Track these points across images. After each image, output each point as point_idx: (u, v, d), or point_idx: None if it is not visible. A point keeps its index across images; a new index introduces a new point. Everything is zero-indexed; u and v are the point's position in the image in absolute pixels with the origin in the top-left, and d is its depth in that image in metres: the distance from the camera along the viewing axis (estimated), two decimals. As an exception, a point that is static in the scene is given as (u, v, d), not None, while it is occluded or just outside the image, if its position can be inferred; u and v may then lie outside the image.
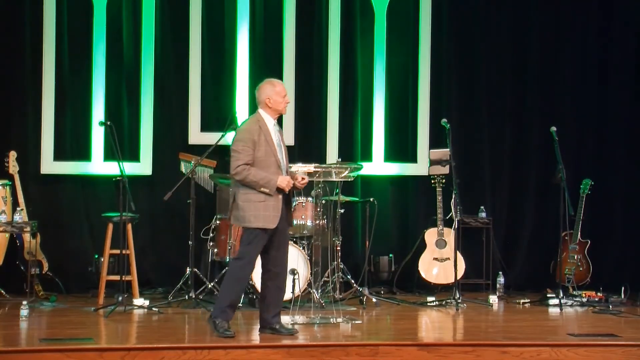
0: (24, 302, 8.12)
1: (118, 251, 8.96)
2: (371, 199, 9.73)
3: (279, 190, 7.31)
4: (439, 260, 10.06)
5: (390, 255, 10.33)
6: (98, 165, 9.96)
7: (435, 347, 7.14)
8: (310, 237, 9.13)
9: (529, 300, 9.56)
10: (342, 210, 9.32)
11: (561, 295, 9.42)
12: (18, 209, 9.05)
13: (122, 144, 9.43)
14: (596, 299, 9.54)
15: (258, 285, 8.77)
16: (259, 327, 7.52)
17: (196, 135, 10.13)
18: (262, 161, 7.34)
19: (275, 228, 7.32)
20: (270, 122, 7.45)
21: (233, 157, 7.36)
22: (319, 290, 8.69)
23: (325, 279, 9.11)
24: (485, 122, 10.76)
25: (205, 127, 10.14)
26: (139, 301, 8.81)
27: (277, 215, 7.32)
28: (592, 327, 8.21)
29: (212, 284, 9.23)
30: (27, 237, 9.24)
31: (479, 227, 10.34)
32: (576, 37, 10.83)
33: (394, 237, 10.59)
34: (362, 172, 9.20)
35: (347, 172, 8.21)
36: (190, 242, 9.05)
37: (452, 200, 9.55)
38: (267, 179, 7.30)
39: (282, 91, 7.50)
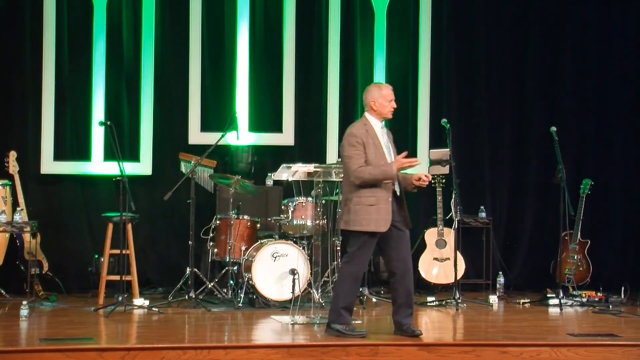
0: (24, 302, 8.11)
1: (118, 251, 8.95)
2: (371, 199, 9.72)
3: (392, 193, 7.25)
4: (439, 260, 10.06)
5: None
6: (98, 165, 9.97)
7: (435, 347, 7.13)
8: (310, 237, 9.13)
9: (529, 300, 9.56)
10: (342, 210, 9.32)
11: (561, 295, 9.42)
12: (18, 209, 9.05)
13: (122, 144, 9.44)
14: (596, 299, 9.53)
15: (259, 286, 8.79)
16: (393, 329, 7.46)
17: (196, 135, 10.14)
18: (371, 164, 7.26)
19: (390, 230, 7.24)
20: (377, 125, 7.38)
21: (346, 164, 7.27)
22: (319, 290, 8.69)
23: (325, 279, 9.12)
24: (485, 122, 10.77)
25: (205, 127, 10.15)
26: (139, 301, 8.81)
27: (389, 219, 7.23)
28: (592, 327, 8.21)
29: (212, 284, 9.23)
30: (27, 237, 9.24)
31: (479, 227, 10.34)
32: (576, 36, 10.84)
33: (394, 237, 10.58)
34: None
35: (347, 172, 8.19)
36: (190, 242, 9.05)
37: (452, 200, 9.56)
38: (384, 171, 7.20)
39: (388, 95, 7.39)
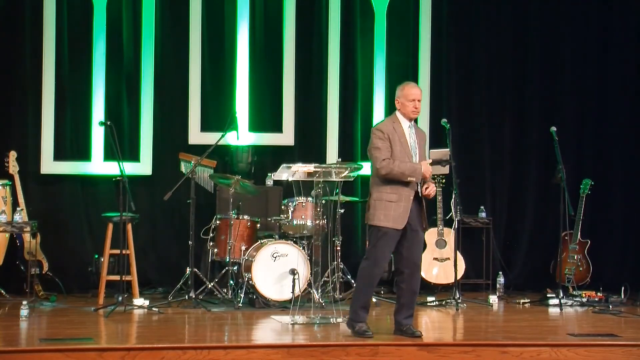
0: (24, 302, 8.11)
1: (118, 251, 8.95)
2: (371, 199, 9.72)
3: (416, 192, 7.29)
4: (439, 260, 10.06)
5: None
6: (98, 165, 9.97)
7: (435, 347, 7.13)
8: (310, 237, 9.13)
9: (529, 300, 9.56)
10: (342, 210, 9.32)
11: (561, 295, 9.42)
12: (18, 209, 9.05)
13: (122, 144, 9.44)
14: (596, 299, 9.53)
15: (259, 286, 8.79)
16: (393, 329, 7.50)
17: (196, 135, 10.14)
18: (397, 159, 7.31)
19: (405, 229, 7.29)
20: (405, 123, 7.39)
21: (374, 155, 7.32)
22: (319, 290, 8.69)
23: (325, 279, 9.11)
24: (485, 122, 10.77)
25: (205, 127, 10.15)
26: (139, 301, 8.81)
27: (406, 217, 7.25)
28: (592, 327, 8.21)
29: (212, 284, 9.23)
30: (27, 237, 9.24)
31: (479, 227, 10.35)
32: (576, 36, 10.84)
33: (394, 237, 10.58)
34: (362, 172, 9.19)
35: (347, 172, 8.21)
36: (190, 242, 9.05)
37: (452, 200, 9.56)
38: (413, 168, 7.26)
39: (411, 95, 7.38)
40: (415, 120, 7.41)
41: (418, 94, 7.42)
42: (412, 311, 7.42)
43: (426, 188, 7.37)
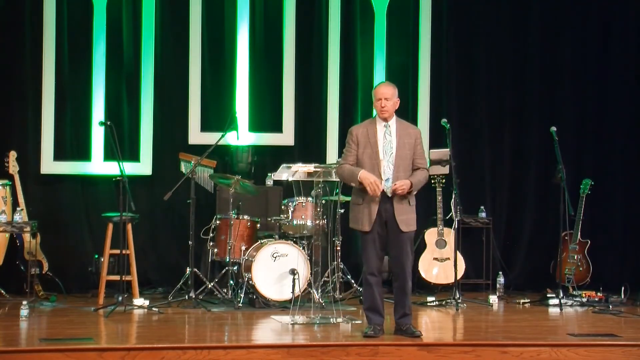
0: (24, 302, 8.11)
1: (118, 251, 8.95)
2: (371, 199, 9.71)
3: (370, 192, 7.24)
4: (439, 260, 10.06)
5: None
6: (98, 165, 9.97)
7: (435, 347, 7.14)
8: (310, 237, 9.12)
9: (529, 300, 9.56)
10: (342, 210, 9.31)
11: (561, 295, 9.42)
12: (18, 209, 9.05)
13: (122, 144, 9.44)
14: (596, 299, 9.53)
15: (259, 286, 8.80)
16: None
17: (196, 135, 10.14)
18: (364, 162, 7.33)
19: (387, 230, 7.32)
20: (380, 123, 7.42)
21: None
22: (319, 290, 8.69)
23: (325, 279, 9.11)
24: (485, 122, 10.77)
25: (205, 127, 10.15)
26: (139, 301, 8.81)
27: (371, 219, 7.25)
28: (592, 327, 8.21)
29: (212, 284, 9.23)
30: (27, 237, 9.24)
31: (479, 227, 10.35)
32: (576, 37, 10.84)
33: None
34: (362, 172, 9.21)
35: (347, 172, 8.20)
36: (190, 242, 9.05)
37: (452, 200, 9.56)
38: (351, 173, 7.29)
39: (377, 94, 7.42)
40: (414, 119, 7.41)
41: (383, 92, 7.42)
42: (405, 310, 7.43)
43: (393, 186, 7.28)
